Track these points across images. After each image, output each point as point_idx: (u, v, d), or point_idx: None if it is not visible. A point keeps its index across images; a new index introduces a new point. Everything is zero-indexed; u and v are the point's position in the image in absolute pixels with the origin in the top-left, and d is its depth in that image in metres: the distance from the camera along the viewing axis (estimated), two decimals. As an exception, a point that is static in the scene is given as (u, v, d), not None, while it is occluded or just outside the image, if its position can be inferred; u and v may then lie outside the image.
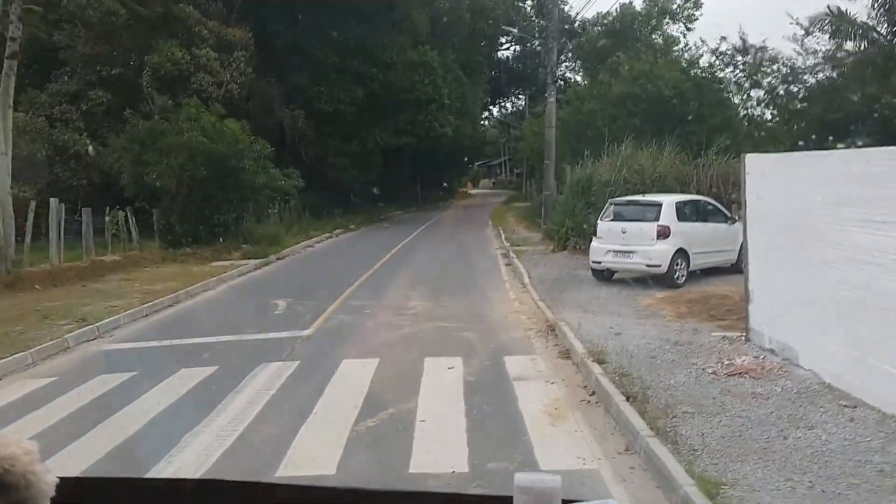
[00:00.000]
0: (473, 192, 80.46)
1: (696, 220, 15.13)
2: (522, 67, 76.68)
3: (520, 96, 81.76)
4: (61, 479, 1.02)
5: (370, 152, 39.04)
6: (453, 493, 1.56)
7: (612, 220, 15.04)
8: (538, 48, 76.49)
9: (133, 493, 1.28)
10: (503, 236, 27.37)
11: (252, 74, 33.48)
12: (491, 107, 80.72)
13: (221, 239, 23.62)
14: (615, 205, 15.34)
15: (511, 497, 0.80)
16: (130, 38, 31.79)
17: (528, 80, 76.89)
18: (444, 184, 71.28)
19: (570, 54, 77.42)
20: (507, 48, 75.29)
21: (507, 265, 19.54)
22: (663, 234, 14.19)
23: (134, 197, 24.02)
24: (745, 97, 28.26)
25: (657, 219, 14.33)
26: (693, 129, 25.51)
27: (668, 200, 14.80)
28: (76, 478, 1.24)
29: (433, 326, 11.85)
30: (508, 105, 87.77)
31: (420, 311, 13.22)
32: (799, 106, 24.88)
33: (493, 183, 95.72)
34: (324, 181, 38.00)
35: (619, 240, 14.62)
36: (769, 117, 29.62)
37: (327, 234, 31.07)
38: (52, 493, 0.98)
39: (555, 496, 0.79)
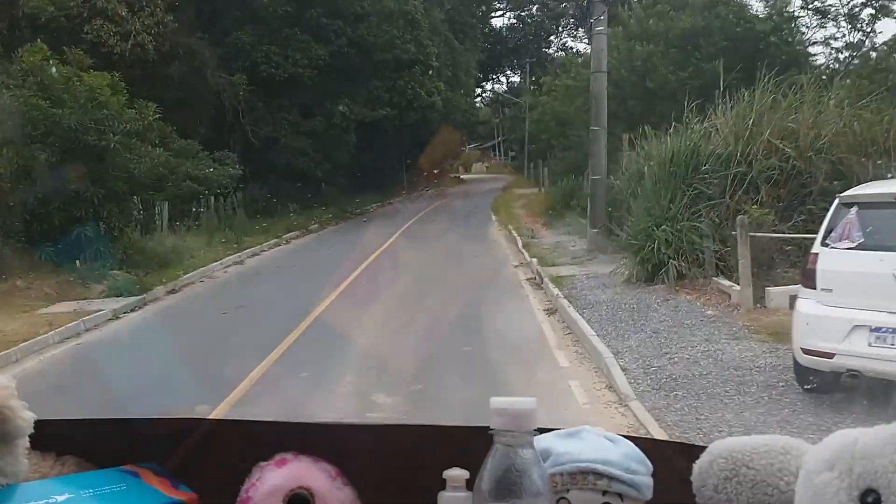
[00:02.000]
0: (466, 177, 71.10)
1: None
2: (519, 38, 67.29)
3: (516, 70, 72.35)
4: (43, 420, 0.95)
5: (338, 129, 29.57)
6: (432, 424, 1.14)
7: (856, 248, 5.81)
8: (536, 14, 66.96)
9: (121, 435, 1.16)
10: (519, 242, 18.25)
11: (175, 25, 24.18)
12: (484, 83, 71.30)
13: (78, 262, 14.32)
14: (862, 206, 5.99)
15: (487, 427, 0.80)
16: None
17: (525, 52, 67.61)
18: (435, 169, 62.02)
19: (571, 21, 67.79)
20: (503, 14, 65.82)
21: (548, 311, 10.38)
22: None
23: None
24: (867, 31, 19.07)
25: None
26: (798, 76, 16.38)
27: None
28: (59, 420, 1.10)
29: None
30: (503, 79, 78.51)
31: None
32: None
33: (487, 167, 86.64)
34: (279, 168, 28.78)
35: (887, 298, 5.45)
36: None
37: (273, 242, 21.84)
38: (31, 429, 0.94)
39: (530, 417, 0.80)
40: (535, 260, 14.46)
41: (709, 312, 9.00)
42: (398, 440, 1.13)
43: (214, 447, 1.13)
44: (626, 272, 11.16)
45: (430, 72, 31.93)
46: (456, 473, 0.88)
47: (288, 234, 23.20)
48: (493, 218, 26.97)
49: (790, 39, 18.39)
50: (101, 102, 14.36)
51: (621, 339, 8.06)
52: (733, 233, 9.26)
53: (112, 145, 14.15)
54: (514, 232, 20.60)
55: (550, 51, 68.63)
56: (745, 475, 0.83)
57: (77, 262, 14.30)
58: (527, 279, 13.33)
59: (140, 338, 10.80)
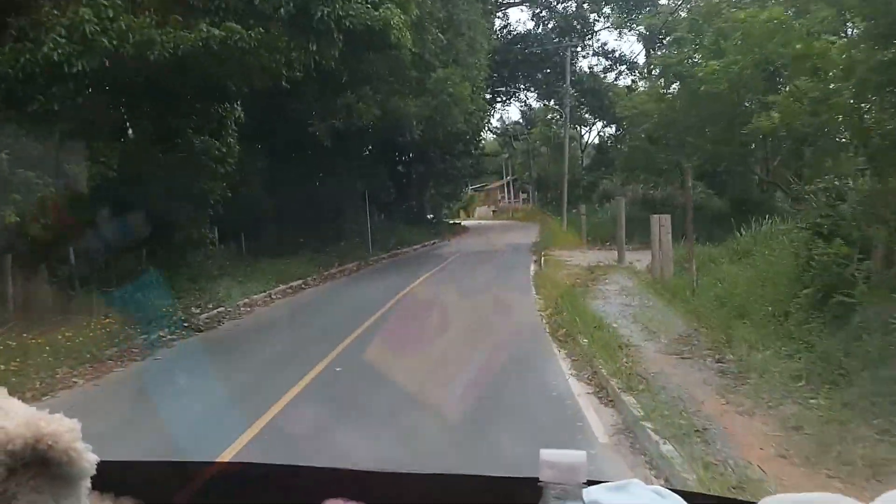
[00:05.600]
0: (469, 223, 52.87)
1: None
2: (542, 38, 49.33)
3: (533, 88, 54.24)
4: (102, 462, 0.95)
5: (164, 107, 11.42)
6: (481, 475, 1.09)
7: None
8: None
9: (176, 477, 1.21)
10: None
11: None
12: (493, 104, 52.75)
13: None
14: None
15: (536, 478, 0.81)
16: None
17: (544, 67, 49.85)
18: (429, 213, 43.46)
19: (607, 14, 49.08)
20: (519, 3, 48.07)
21: None
22: None
23: None
24: None
25: None
26: None
27: None
28: (117, 461, 1.11)
29: None
30: (514, 105, 60.84)
31: None
32: None
33: (494, 212, 68.50)
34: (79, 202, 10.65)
35: None
36: None
37: None
38: (93, 471, 0.94)
39: (580, 469, 0.80)
40: None
41: None
42: (445, 489, 1.10)
43: (267, 491, 1.14)
44: None
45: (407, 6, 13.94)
46: None
47: None
48: (578, 395, 8.56)
49: None
50: None
51: None
52: None
53: None
54: None
55: (583, 57, 50.35)
56: None
57: None
58: None
59: None
